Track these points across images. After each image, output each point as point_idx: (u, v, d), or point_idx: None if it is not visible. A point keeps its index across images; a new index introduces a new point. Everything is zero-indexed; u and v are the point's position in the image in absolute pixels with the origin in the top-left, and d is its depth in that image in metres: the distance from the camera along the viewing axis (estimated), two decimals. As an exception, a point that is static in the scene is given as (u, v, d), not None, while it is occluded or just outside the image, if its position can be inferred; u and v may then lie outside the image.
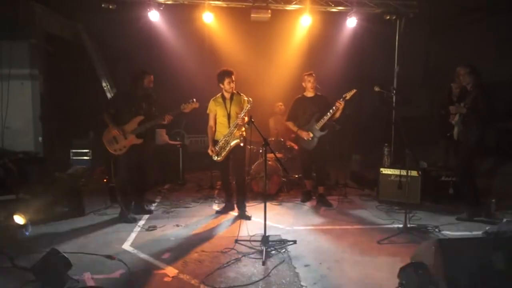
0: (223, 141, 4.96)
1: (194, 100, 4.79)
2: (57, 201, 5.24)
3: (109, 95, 7.56)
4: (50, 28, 7.23)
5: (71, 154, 6.42)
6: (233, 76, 4.95)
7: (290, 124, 5.72)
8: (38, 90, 6.81)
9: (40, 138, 6.86)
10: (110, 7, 6.23)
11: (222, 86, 4.98)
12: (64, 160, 6.46)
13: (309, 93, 5.58)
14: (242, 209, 5.13)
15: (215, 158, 5.00)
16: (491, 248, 2.79)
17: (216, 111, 5.04)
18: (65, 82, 7.32)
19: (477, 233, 4.35)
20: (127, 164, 4.83)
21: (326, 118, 5.34)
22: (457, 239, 3.87)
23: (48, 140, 7.04)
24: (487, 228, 4.24)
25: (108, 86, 7.65)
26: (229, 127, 4.94)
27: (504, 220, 4.66)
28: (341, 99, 5.20)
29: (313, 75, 5.53)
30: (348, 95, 5.21)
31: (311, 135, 5.44)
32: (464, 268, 2.66)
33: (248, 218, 4.98)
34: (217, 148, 4.98)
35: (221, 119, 5.03)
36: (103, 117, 4.78)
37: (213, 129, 5.09)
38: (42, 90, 6.87)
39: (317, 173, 5.87)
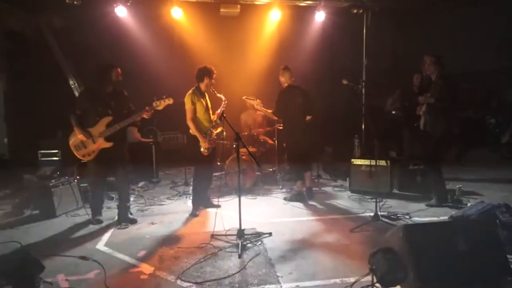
0: (209, 135, 4.91)
1: (168, 95, 4.56)
2: (27, 203, 5.13)
3: (76, 93, 7.38)
4: (12, 25, 6.99)
5: (39, 155, 6.23)
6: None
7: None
8: (1, 90, 6.57)
9: (5, 140, 6.64)
10: (75, 2, 6.08)
11: (206, 82, 4.92)
12: (32, 162, 6.28)
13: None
14: (210, 199, 5.32)
15: (205, 151, 4.85)
16: (454, 231, 2.94)
17: (196, 105, 4.90)
18: (31, 81, 7.09)
19: (444, 218, 4.56)
20: (96, 170, 4.58)
21: None
22: (422, 224, 4.05)
23: (14, 141, 6.83)
24: (453, 213, 4.47)
25: (76, 84, 7.47)
26: (211, 122, 4.98)
27: (468, 204, 4.93)
28: None
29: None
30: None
31: None
32: (429, 251, 2.79)
33: (218, 206, 5.11)
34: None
35: (204, 114, 4.93)
36: (69, 119, 4.48)
37: None
38: (5, 89, 6.64)
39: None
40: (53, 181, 5.14)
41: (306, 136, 5.47)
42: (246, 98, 5.93)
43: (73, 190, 5.27)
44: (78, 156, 4.52)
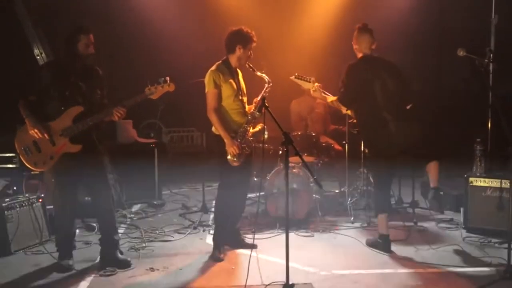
0: (241, 134, 4.96)
1: (168, 79, 4.60)
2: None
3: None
4: None
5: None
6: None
7: None
8: None
9: None
10: None
11: (239, 53, 4.97)
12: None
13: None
14: (240, 236, 5.36)
15: (233, 159, 4.89)
16: None
17: (222, 88, 4.97)
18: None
19: None
20: (57, 186, 4.66)
21: None
22: None
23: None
24: None
25: (43, 55, 7.69)
26: (246, 114, 5.03)
27: None
28: None
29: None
30: None
31: None
32: None
33: (254, 246, 5.05)
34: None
35: (234, 102, 5.00)
36: (19, 106, 4.56)
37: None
38: None
39: None
40: (6, 200, 5.31)
41: (399, 141, 5.29)
42: (296, 77, 5.73)
43: (35, 215, 5.42)
44: (28, 164, 4.60)
